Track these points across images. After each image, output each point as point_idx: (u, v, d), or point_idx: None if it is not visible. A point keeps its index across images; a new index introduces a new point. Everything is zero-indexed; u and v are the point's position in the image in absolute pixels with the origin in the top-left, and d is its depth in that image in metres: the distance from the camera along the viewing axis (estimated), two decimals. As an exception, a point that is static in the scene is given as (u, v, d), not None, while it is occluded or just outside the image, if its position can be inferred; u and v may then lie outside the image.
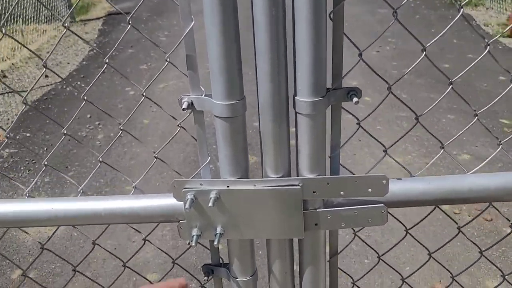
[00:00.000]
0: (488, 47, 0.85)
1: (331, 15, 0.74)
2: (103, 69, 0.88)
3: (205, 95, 0.80)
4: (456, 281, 1.15)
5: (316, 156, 0.80)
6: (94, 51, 5.98)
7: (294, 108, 0.78)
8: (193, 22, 0.73)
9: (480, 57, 0.90)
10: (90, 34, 6.82)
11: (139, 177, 3.39)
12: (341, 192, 0.82)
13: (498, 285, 2.25)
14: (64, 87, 4.95)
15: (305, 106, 0.75)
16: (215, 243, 0.84)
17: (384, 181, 0.80)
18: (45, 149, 3.81)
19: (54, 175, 3.41)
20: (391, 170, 3.05)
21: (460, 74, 0.94)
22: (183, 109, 0.78)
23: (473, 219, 1.16)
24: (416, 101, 4.27)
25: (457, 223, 1.12)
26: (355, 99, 0.77)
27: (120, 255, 2.64)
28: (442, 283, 2.33)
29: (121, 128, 0.92)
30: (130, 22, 0.81)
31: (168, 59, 0.82)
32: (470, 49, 5.46)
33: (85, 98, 0.86)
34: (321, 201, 0.85)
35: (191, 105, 0.80)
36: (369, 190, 0.81)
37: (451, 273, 1.16)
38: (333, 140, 0.84)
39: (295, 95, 0.77)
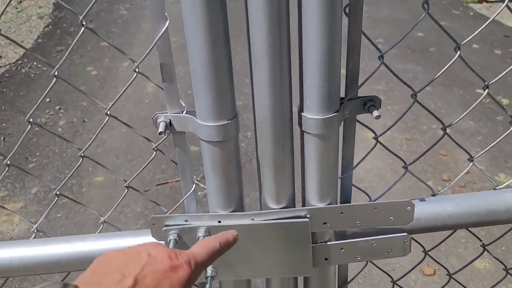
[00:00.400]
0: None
1: (347, 9, 0.57)
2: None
3: (186, 112, 0.63)
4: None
5: (327, 182, 0.65)
6: (50, 27, 5.57)
7: (300, 126, 0.62)
8: (168, 21, 0.55)
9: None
10: (44, 8, 6.35)
11: (107, 164, 3.16)
12: (357, 222, 0.67)
13: (479, 255, 2.23)
14: (19, 68, 4.59)
15: (315, 124, 0.60)
16: (207, 286, 0.69)
17: (409, 208, 0.66)
18: (2, 138, 3.52)
19: (13, 168, 3.15)
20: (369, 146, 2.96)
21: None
22: (160, 133, 0.61)
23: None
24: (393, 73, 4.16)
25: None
26: (375, 113, 0.62)
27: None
28: (430, 266, 2.28)
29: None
30: None
31: (137, 70, 0.64)
32: (442, 16, 5.37)
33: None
34: (332, 232, 0.70)
35: (169, 126, 0.63)
36: (391, 218, 0.67)
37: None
38: (345, 159, 0.69)
39: (301, 110, 0.61)
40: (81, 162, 0.76)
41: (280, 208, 0.67)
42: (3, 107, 3.91)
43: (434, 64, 4.27)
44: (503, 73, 0.74)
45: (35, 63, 4.73)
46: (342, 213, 0.66)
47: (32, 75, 4.42)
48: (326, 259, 0.71)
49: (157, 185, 2.91)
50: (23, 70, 4.56)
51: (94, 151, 3.35)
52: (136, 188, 0.80)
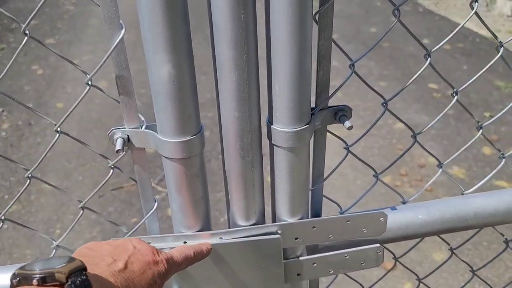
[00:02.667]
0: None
1: (317, 16, 0.54)
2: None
3: (146, 127, 0.57)
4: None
5: (298, 196, 0.62)
6: (-10, 23, 5.23)
7: (270, 139, 0.58)
8: (123, 30, 0.50)
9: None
10: (-17, 3, 5.96)
11: (56, 171, 3.02)
12: (330, 236, 0.65)
13: (448, 259, 2.28)
14: (-44, 68, 4.27)
15: (285, 137, 0.56)
16: (172, 311, 0.65)
17: (381, 219, 0.65)
18: None
19: (-47, 175, 2.93)
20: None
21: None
22: (118, 151, 0.55)
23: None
24: (347, 70, 4.22)
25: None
26: (347, 124, 0.59)
27: (43, 265, 2.33)
28: (391, 261, 2.32)
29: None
30: None
31: (90, 82, 0.57)
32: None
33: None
34: (304, 247, 0.67)
35: (127, 142, 0.57)
36: (363, 230, 0.65)
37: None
38: (316, 171, 0.66)
39: (270, 122, 0.57)
40: (28, 184, 0.68)
41: (250, 225, 0.63)
42: None
43: (388, 59, 4.36)
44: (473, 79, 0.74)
45: (-27, 62, 4.43)
46: (314, 227, 0.64)
47: (-28, 75, 4.13)
48: (298, 274, 0.68)
49: (112, 190, 2.79)
50: (-39, 70, 4.25)
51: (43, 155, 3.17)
52: (90, 202, 0.74)
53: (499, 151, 0.82)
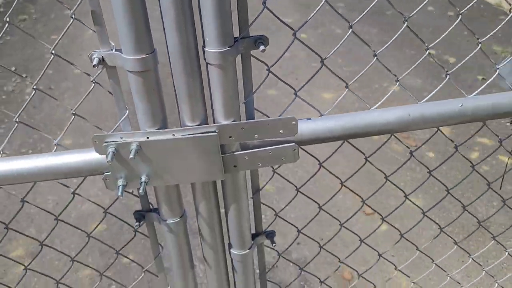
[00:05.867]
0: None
1: (232, -35, 0.75)
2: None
3: (115, 50, 0.80)
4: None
5: (229, 103, 0.84)
6: (12, -4, 5.50)
7: (204, 59, 0.81)
8: (93, -24, 0.72)
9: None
10: (5, -23, 6.23)
11: (74, 130, 3.30)
12: (256, 135, 0.87)
13: (399, 168, 2.49)
14: (-17, 38, 4.58)
15: (214, 56, 0.78)
16: (141, 191, 0.89)
17: (293, 122, 0.87)
18: (-30, 107, 3.59)
19: (-17, 133, 3.26)
20: (324, 106, 3.18)
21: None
22: (94, 66, 0.78)
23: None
24: (349, 36, 4.35)
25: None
26: (261, 47, 0.80)
27: (61, 209, 2.64)
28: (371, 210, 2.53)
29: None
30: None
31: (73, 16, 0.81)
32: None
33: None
34: (238, 145, 0.90)
35: (102, 61, 0.80)
36: (281, 131, 0.87)
37: (361, 197, 1.29)
38: (246, 87, 0.88)
39: (204, 46, 0.79)
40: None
41: (195, 125, 0.86)
42: (-32, 77, 3.95)
43: (389, 27, 4.47)
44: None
45: (-2, 32, 4.71)
46: (243, 128, 0.86)
47: (-4, 45, 4.43)
48: (234, 166, 0.91)
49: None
50: (-14, 40, 4.56)
51: (62, 115, 3.47)
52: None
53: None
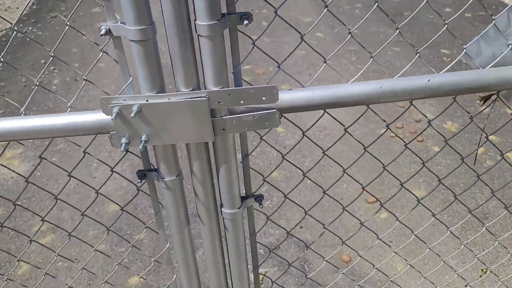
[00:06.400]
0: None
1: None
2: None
3: (120, 23, 0.94)
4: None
5: (218, 71, 0.97)
6: (44, -6, 5.79)
7: (196, 31, 0.93)
8: (102, -42, 0.86)
9: None
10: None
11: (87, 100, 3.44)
12: (241, 101, 1.00)
13: (401, 152, 2.56)
14: (15, 33, 4.85)
15: (204, 29, 0.91)
16: (140, 147, 1.02)
17: (275, 91, 0.98)
18: (2, 95, 3.82)
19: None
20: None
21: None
22: (101, 35, 0.92)
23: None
24: (365, 36, 4.44)
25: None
26: (245, 22, 0.93)
27: (82, 190, 2.82)
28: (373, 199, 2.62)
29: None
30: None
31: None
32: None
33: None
34: (227, 110, 1.02)
35: (109, 32, 0.94)
36: (263, 98, 0.99)
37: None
38: (234, 59, 1.00)
39: (195, 19, 0.92)
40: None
41: (188, 91, 0.99)
42: (0, 68, 4.20)
43: (406, 27, 4.53)
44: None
45: (30, 28, 4.99)
46: (230, 94, 0.98)
47: (28, 39, 4.69)
48: (223, 129, 1.03)
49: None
50: (19, 35, 4.83)
51: (86, 105, 3.67)
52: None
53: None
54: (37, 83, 1.10)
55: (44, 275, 1.73)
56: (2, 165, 1.14)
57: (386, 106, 3.39)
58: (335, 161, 1.26)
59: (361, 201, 2.56)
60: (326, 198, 2.59)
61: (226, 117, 1.02)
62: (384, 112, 3.32)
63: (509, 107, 1.21)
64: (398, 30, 1.11)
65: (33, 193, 2.83)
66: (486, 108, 1.39)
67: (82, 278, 2.25)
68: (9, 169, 1.15)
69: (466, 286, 2.06)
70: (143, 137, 1.02)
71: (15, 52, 4.50)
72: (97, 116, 1.03)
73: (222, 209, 1.18)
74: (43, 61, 4.27)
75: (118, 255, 2.37)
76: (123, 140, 1.02)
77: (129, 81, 1.02)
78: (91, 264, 2.33)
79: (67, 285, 2.01)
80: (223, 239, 1.26)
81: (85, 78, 1.10)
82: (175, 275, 1.34)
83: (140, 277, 2.19)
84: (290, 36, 4.45)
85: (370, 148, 3.02)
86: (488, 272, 2.12)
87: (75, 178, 1.25)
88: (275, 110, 1.02)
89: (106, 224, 2.50)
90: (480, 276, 2.11)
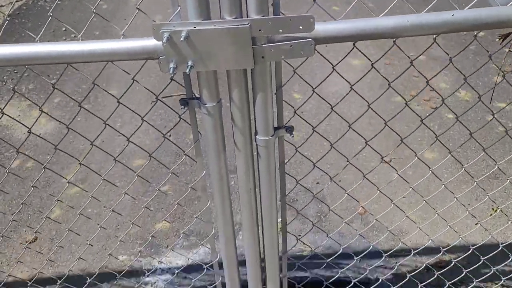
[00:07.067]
0: None
1: None
2: None
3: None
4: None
5: (260, 0, 1.06)
6: (63, -34, 5.86)
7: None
8: None
9: None
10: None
11: (118, 82, 3.58)
12: (280, 30, 1.09)
13: (417, 128, 2.65)
14: (36, 1, 4.95)
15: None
16: (187, 71, 1.12)
17: (311, 19, 1.08)
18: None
19: (38, 82, 3.60)
20: (353, 72, 3.34)
21: None
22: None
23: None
24: (382, 10, 4.47)
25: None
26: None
27: (107, 147, 2.94)
28: (388, 156, 2.72)
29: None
30: None
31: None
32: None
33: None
34: (266, 38, 1.12)
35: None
36: (300, 27, 1.09)
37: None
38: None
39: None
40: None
41: (232, 18, 1.09)
42: (23, 34, 4.31)
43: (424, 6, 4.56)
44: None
45: (50, -4, 5.08)
46: (270, 23, 1.08)
47: (48, 8, 4.79)
48: (262, 57, 1.13)
49: (163, 97, 3.35)
50: (39, 3, 4.93)
51: (106, 71, 3.77)
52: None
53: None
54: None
55: (79, 215, 1.86)
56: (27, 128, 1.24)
57: (401, 76, 3.46)
58: (341, 116, 1.37)
59: (377, 161, 2.66)
60: (342, 158, 2.69)
61: (265, 45, 1.12)
62: (399, 82, 3.40)
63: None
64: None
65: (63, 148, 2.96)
66: (505, 45, 1.47)
67: (111, 223, 2.38)
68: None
69: (476, 224, 2.16)
70: (190, 62, 1.12)
71: (36, 20, 4.61)
72: (148, 42, 1.13)
73: (257, 137, 1.29)
74: (64, 29, 4.37)
75: (144, 203, 2.50)
76: (171, 65, 1.12)
77: (177, 10, 1.12)
78: (118, 210, 2.46)
79: (98, 224, 2.14)
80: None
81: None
82: (209, 201, 1.45)
83: (165, 220, 2.32)
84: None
85: (386, 115, 3.11)
86: (498, 210, 2.22)
87: (110, 126, 1.36)
88: (310, 39, 1.11)
89: (133, 175, 2.63)
90: (490, 215, 2.21)
